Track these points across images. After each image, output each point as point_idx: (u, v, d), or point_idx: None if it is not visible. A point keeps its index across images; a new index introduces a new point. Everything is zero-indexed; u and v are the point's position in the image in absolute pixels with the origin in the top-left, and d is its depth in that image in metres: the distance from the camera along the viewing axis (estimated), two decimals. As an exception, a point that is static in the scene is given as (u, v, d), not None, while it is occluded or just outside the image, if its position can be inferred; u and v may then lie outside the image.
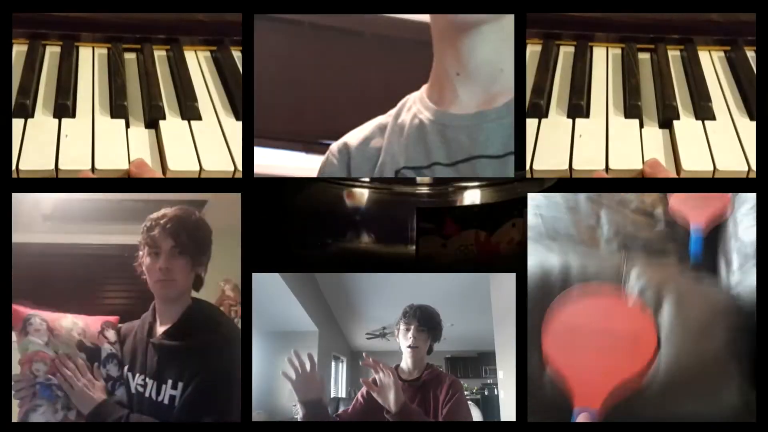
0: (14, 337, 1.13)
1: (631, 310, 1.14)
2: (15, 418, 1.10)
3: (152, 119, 1.17)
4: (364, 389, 1.25)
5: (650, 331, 1.11)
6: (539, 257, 1.21)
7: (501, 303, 1.52)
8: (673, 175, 1.09)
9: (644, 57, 1.33)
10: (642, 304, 1.14)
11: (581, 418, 1.05)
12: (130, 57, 1.31)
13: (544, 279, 1.18)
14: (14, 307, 1.13)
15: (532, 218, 1.44)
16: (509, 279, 1.16)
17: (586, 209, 1.44)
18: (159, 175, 1.08)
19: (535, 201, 1.47)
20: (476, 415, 1.55)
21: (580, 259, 1.21)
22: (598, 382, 1.07)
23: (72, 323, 1.15)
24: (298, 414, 1.21)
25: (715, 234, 1.39)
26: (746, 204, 1.32)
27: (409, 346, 1.34)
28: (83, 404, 1.10)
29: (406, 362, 1.34)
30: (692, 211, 1.41)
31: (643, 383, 1.09)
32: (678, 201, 1.44)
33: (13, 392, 1.11)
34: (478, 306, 1.60)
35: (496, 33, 1.06)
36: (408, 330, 1.35)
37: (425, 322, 1.36)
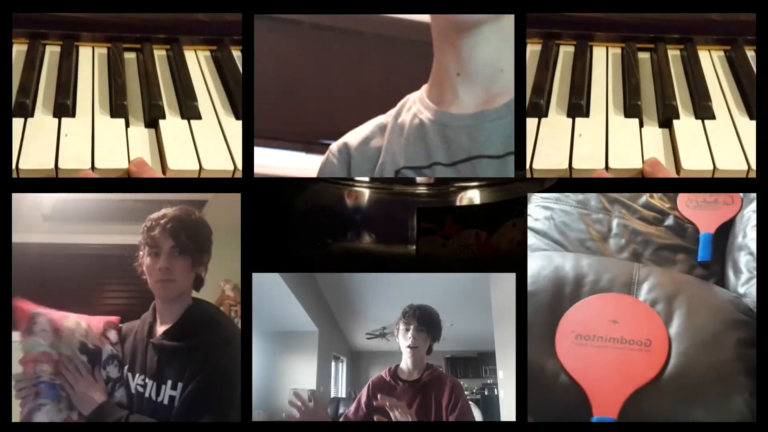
0: (17, 334, 1.13)
1: (643, 317, 1.14)
2: (16, 418, 1.10)
3: (152, 119, 1.17)
4: (364, 394, 1.25)
5: (663, 337, 1.11)
6: (554, 263, 1.21)
7: (501, 303, 1.52)
8: (672, 174, 1.09)
9: (644, 56, 1.33)
10: (653, 312, 1.14)
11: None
12: (130, 56, 1.31)
13: (557, 285, 1.19)
14: (20, 303, 1.13)
15: (543, 223, 1.45)
16: (509, 279, 1.16)
17: (597, 215, 1.44)
18: (159, 174, 1.08)
19: (545, 203, 1.47)
20: (476, 415, 1.55)
21: (593, 267, 1.22)
22: (615, 391, 1.08)
23: (75, 324, 1.15)
24: None
25: (725, 238, 1.39)
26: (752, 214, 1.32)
27: (409, 347, 1.34)
28: (84, 406, 1.10)
29: (405, 363, 1.33)
30: (701, 219, 1.41)
31: (655, 388, 1.09)
32: (686, 207, 1.44)
33: (14, 391, 1.11)
34: (478, 306, 1.60)
35: (496, 33, 1.06)
36: (407, 330, 1.35)
37: (425, 322, 1.36)
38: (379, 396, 1.24)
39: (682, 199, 1.46)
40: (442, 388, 1.28)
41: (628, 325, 1.13)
